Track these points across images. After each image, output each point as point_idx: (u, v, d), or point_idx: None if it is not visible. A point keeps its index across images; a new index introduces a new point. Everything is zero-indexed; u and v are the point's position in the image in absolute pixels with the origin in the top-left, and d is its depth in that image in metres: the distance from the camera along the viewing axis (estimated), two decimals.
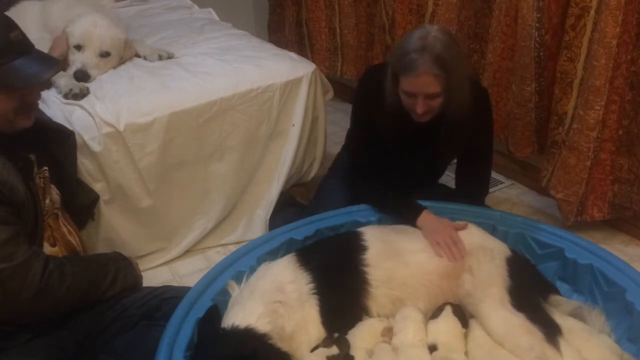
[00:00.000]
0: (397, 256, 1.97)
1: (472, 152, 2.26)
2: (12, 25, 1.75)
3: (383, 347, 1.80)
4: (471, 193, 2.31)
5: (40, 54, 1.82)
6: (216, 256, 2.66)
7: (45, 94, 2.47)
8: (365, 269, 1.93)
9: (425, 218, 2.07)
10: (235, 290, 1.86)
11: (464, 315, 1.85)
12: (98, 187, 2.39)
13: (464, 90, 2.03)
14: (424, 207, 2.11)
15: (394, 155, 2.31)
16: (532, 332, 1.71)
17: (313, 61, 3.25)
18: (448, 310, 1.84)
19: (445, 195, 2.36)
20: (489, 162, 2.33)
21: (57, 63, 1.88)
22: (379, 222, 2.20)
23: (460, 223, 2.07)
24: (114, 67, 2.77)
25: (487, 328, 1.78)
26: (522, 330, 1.72)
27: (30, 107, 1.79)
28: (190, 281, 2.16)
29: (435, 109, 2.04)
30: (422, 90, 1.96)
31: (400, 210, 2.16)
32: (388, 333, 1.83)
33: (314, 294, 1.84)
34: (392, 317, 1.89)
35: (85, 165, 2.36)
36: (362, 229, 2.07)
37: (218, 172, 2.68)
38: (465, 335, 1.82)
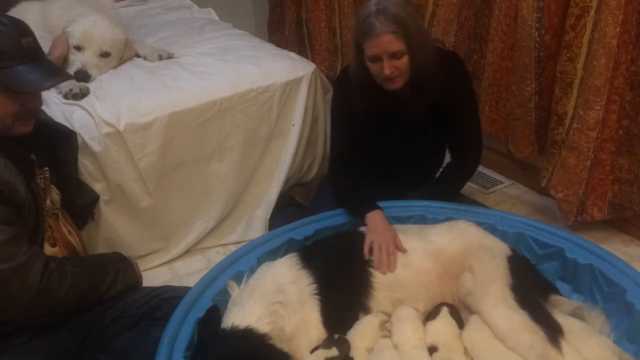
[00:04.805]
0: (397, 257, 1.96)
1: (458, 118, 2.28)
2: (25, 31, 1.75)
3: (383, 343, 1.79)
4: (468, 158, 2.35)
5: (48, 64, 1.82)
6: (216, 256, 2.66)
7: (45, 94, 2.46)
8: (370, 270, 1.93)
9: (374, 215, 2.08)
10: (235, 290, 1.86)
11: (459, 316, 1.85)
12: (98, 187, 2.39)
13: (425, 47, 2.10)
14: (380, 208, 2.12)
15: (379, 145, 2.34)
16: (534, 331, 1.70)
17: (313, 61, 3.25)
18: (445, 311, 1.84)
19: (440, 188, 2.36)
20: (476, 124, 2.36)
21: (61, 75, 1.89)
22: None
23: (402, 246, 1.98)
24: (114, 67, 2.78)
25: (489, 326, 1.77)
26: (523, 328, 1.71)
27: (30, 114, 1.79)
28: (190, 281, 2.16)
29: (404, 72, 2.09)
30: (384, 49, 2.03)
31: (358, 203, 2.17)
32: (387, 326, 1.83)
33: (315, 294, 1.84)
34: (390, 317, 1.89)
35: (85, 165, 2.36)
36: (364, 229, 2.06)
37: (218, 172, 2.68)
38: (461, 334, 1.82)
